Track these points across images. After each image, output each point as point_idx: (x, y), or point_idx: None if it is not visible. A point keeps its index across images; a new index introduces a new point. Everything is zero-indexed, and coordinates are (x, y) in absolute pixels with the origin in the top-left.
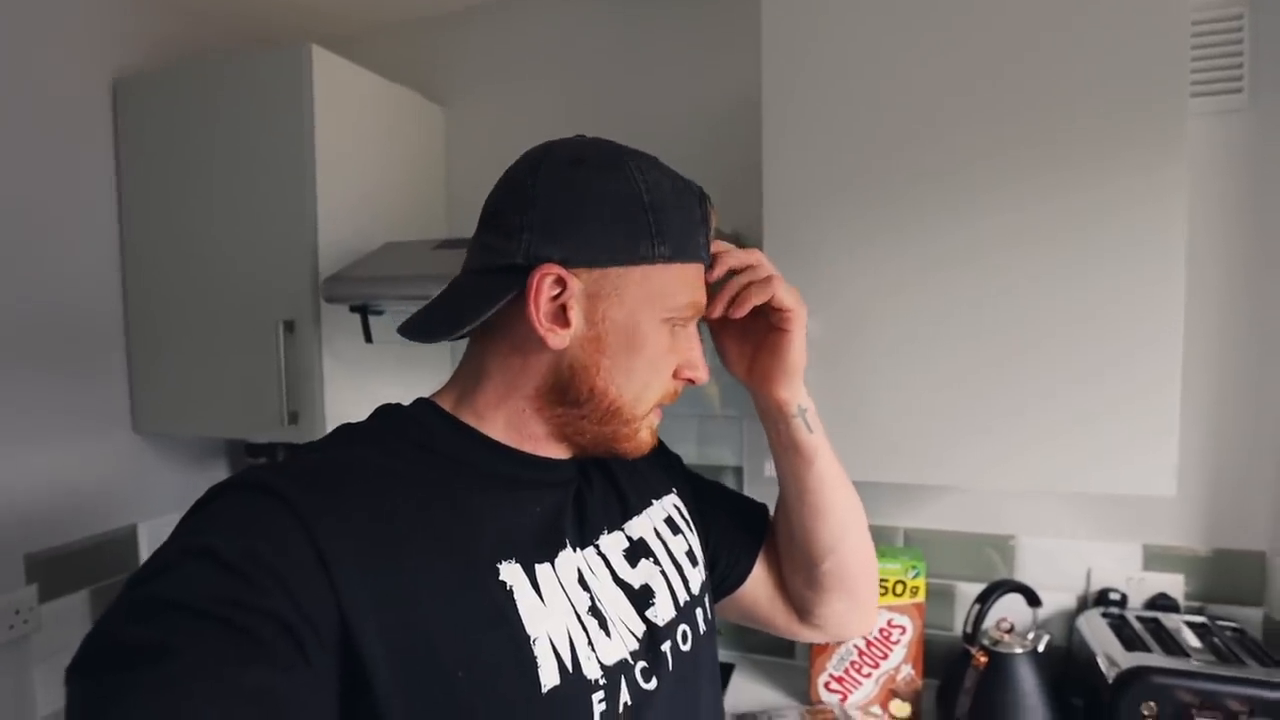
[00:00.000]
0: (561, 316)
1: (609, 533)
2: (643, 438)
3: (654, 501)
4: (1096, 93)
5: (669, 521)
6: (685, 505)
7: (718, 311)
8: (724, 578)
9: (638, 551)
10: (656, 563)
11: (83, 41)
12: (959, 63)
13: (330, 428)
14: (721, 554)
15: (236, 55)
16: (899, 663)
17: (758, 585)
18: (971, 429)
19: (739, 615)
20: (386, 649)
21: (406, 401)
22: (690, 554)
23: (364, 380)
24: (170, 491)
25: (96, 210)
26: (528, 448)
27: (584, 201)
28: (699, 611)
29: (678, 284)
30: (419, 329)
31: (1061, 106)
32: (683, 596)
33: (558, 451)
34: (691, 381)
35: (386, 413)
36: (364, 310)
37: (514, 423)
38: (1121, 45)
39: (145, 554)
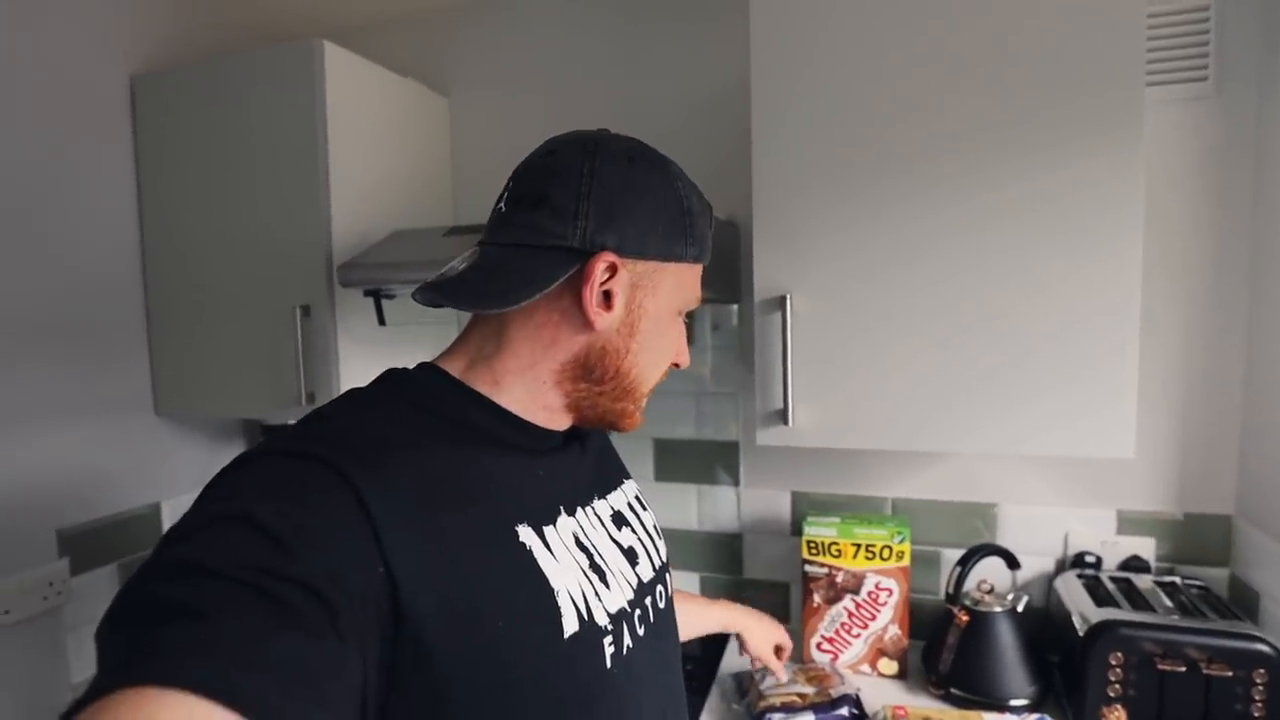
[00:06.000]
0: (606, 300)
1: (599, 499)
2: (640, 416)
3: (624, 481)
4: (1060, 81)
5: (638, 499)
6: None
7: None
8: None
9: (620, 520)
10: (633, 531)
11: (102, 39)
12: (934, 54)
13: None
14: None
15: (250, 51)
16: (886, 623)
17: None
18: (943, 397)
19: None
20: (436, 604)
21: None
22: (656, 528)
23: (377, 360)
24: (191, 471)
25: (117, 201)
26: (538, 419)
27: (638, 198)
28: (667, 577)
29: (694, 281)
30: (461, 297)
31: (1029, 95)
32: (656, 562)
33: (561, 423)
34: (677, 365)
35: (393, 378)
36: (377, 294)
37: (532, 392)
38: (1082, 37)
39: None
